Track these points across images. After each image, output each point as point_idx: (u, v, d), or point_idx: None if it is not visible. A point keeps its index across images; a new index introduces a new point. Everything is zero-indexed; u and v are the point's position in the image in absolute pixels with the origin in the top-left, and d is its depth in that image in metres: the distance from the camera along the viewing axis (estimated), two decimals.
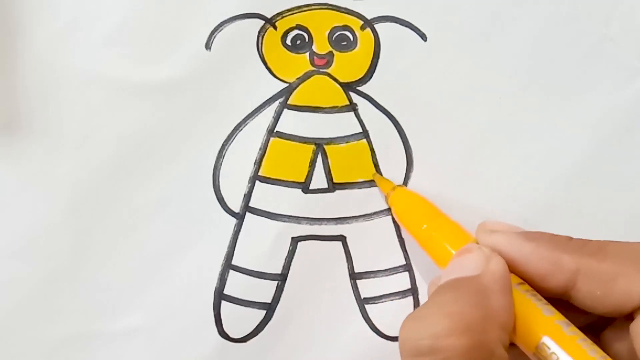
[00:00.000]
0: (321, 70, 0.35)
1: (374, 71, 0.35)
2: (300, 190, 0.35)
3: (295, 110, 0.35)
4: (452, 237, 0.30)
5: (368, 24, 0.35)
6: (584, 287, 0.27)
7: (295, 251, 0.34)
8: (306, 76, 0.35)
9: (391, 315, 0.34)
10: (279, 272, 0.34)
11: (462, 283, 0.27)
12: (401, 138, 0.35)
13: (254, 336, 0.34)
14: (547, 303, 0.27)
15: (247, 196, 0.35)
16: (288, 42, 0.35)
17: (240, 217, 0.35)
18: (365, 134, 0.35)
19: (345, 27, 0.35)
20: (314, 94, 0.35)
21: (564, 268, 0.27)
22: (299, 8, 0.35)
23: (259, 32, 0.35)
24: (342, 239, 0.35)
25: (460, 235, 0.30)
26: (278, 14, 0.35)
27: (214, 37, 0.35)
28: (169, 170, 0.35)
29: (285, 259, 0.34)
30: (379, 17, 0.35)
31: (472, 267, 0.27)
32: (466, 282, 0.27)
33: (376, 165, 0.35)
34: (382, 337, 0.34)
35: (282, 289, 0.34)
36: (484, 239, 0.29)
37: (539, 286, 0.28)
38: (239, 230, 0.34)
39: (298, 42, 0.35)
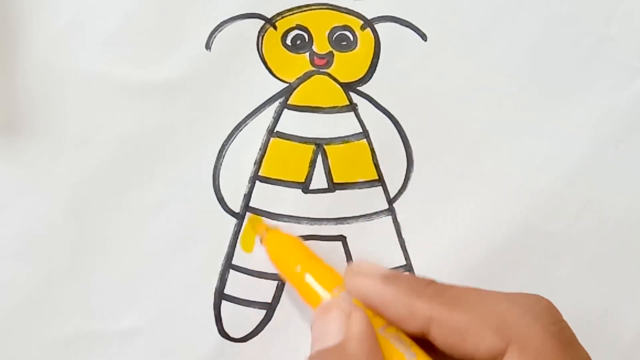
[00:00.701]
0: (321, 70, 0.35)
1: (374, 71, 0.35)
2: (300, 190, 0.35)
3: (295, 110, 0.35)
4: (324, 279, 0.30)
5: (368, 24, 0.35)
6: (437, 335, 0.26)
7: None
8: (306, 76, 0.35)
9: None
10: None
11: (327, 356, 0.27)
12: (401, 138, 0.35)
13: (254, 336, 0.34)
14: (413, 344, 0.27)
15: (247, 196, 0.35)
16: (288, 42, 0.35)
17: (240, 217, 0.35)
18: (365, 134, 0.35)
19: (345, 27, 0.35)
20: (314, 94, 0.35)
21: (418, 315, 0.27)
22: (299, 8, 0.35)
23: (259, 32, 0.35)
24: (342, 239, 0.35)
25: (331, 277, 0.30)
26: (278, 14, 0.35)
27: (214, 37, 0.35)
28: (169, 170, 0.35)
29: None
30: (379, 17, 0.35)
31: (334, 332, 0.27)
32: (331, 354, 0.27)
33: (376, 165, 0.35)
34: None
35: (282, 289, 0.34)
36: (348, 283, 0.29)
37: (401, 329, 0.28)
38: (239, 230, 0.34)
39: (298, 42, 0.35)
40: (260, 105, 0.35)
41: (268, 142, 0.35)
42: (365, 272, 0.29)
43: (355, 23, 0.36)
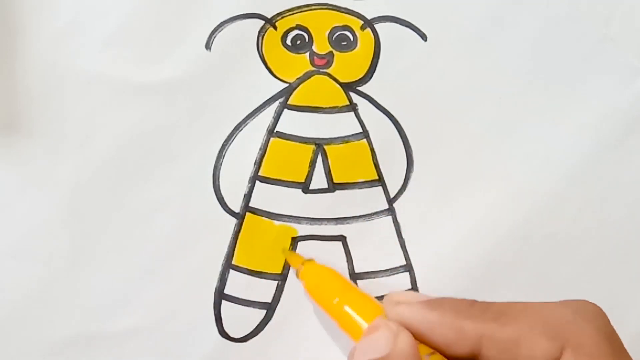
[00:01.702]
0: (321, 70, 0.35)
1: (374, 71, 0.35)
2: (300, 190, 0.35)
3: (295, 110, 0.35)
4: (363, 309, 0.30)
5: (368, 24, 0.35)
6: (489, 353, 0.26)
7: (295, 251, 0.34)
8: (306, 76, 0.35)
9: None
10: (279, 272, 0.34)
11: None
12: (401, 138, 0.35)
13: (254, 336, 0.34)
14: None
15: (247, 196, 0.35)
16: (288, 42, 0.35)
17: (240, 217, 0.35)
18: (365, 134, 0.35)
19: (345, 27, 0.35)
20: (314, 94, 0.35)
21: (467, 335, 0.27)
22: (299, 8, 0.35)
23: (259, 32, 0.35)
24: (342, 239, 0.35)
25: (372, 308, 0.30)
26: (278, 14, 0.35)
27: (214, 37, 0.35)
28: (169, 170, 0.35)
29: (285, 259, 0.34)
30: (379, 17, 0.35)
31: (380, 347, 0.27)
32: None
33: (376, 165, 0.35)
34: None
35: (282, 289, 0.34)
36: (390, 312, 0.29)
37: (448, 354, 0.27)
38: (239, 230, 0.34)
39: (298, 42, 0.35)
40: (260, 105, 0.35)
41: (268, 142, 0.35)
42: (405, 300, 0.29)
43: (355, 23, 0.35)
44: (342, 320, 0.30)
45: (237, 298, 0.34)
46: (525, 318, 0.26)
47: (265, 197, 0.35)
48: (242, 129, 0.35)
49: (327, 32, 0.35)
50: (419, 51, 0.35)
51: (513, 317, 0.26)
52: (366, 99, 0.35)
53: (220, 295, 0.34)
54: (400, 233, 0.35)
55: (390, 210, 0.35)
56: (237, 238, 0.34)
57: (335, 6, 0.35)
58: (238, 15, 0.35)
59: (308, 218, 0.35)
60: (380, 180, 0.35)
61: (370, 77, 0.35)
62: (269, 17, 0.35)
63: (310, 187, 0.35)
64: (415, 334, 0.28)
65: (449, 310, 0.28)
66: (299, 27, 0.35)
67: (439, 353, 0.27)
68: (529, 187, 0.35)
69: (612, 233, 0.35)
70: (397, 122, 0.35)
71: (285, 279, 0.34)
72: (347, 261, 0.35)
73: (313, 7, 0.35)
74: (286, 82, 0.35)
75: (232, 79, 0.35)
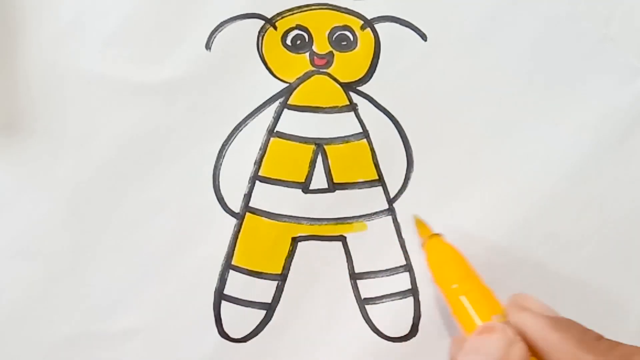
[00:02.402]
0: (321, 70, 0.35)
1: (374, 71, 0.35)
2: (300, 190, 0.35)
3: (295, 110, 0.35)
4: (481, 304, 0.30)
5: (368, 24, 0.36)
6: None
7: (295, 251, 0.34)
8: (306, 76, 0.35)
9: (391, 316, 0.34)
10: (279, 272, 0.34)
11: None
12: (401, 138, 0.35)
13: (254, 336, 0.34)
14: None
15: (247, 196, 0.35)
16: (288, 42, 0.35)
17: (240, 217, 0.35)
18: (365, 134, 0.35)
19: (345, 27, 0.35)
20: (314, 94, 0.35)
21: None
22: (299, 8, 0.35)
23: (259, 32, 0.35)
24: (342, 239, 0.35)
25: (490, 304, 0.30)
26: (278, 14, 0.35)
27: (214, 37, 0.35)
28: (169, 170, 0.35)
29: (285, 259, 0.34)
30: (379, 17, 0.35)
31: (492, 351, 0.27)
32: None
33: (376, 165, 0.35)
34: (382, 337, 0.34)
35: (282, 289, 0.34)
36: (512, 315, 0.28)
37: None
38: (239, 230, 0.34)
39: (298, 42, 0.35)
40: (260, 105, 0.35)
41: (268, 142, 0.35)
42: (531, 308, 0.29)
43: (355, 23, 0.36)
44: (456, 307, 0.30)
45: (237, 298, 0.34)
46: None
47: (265, 197, 0.35)
48: (242, 129, 0.35)
49: (327, 32, 0.35)
50: (419, 51, 0.35)
51: None
52: (366, 99, 0.35)
53: (220, 296, 0.34)
54: (400, 233, 0.35)
55: (390, 210, 0.35)
56: (236, 238, 0.34)
57: (335, 6, 0.36)
58: (238, 15, 0.35)
59: (308, 218, 0.35)
60: (380, 180, 0.35)
61: (370, 77, 0.35)
62: (269, 17, 0.35)
63: (310, 187, 0.35)
64: (530, 346, 0.27)
65: (573, 336, 0.27)
66: (299, 27, 0.35)
67: None
68: (529, 187, 0.35)
69: (612, 233, 0.35)
70: (397, 122, 0.35)
71: (285, 279, 0.34)
72: (347, 261, 0.35)
73: (313, 7, 0.35)
74: (286, 82, 0.35)
75: (232, 79, 0.35)
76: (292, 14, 0.35)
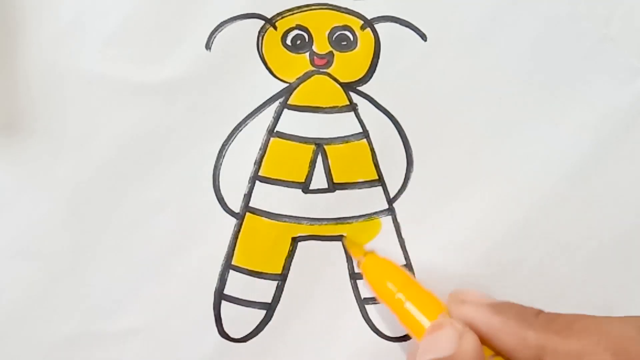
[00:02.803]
0: (321, 70, 0.35)
1: (374, 71, 0.35)
2: (300, 190, 0.35)
3: (295, 110, 0.35)
4: (425, 306, 0.30)
5: (368, 23, 0.35)
6: None
7: (295, 251, 0.34)
8: (306, 76, 0.35)
9: (391, 316, 0.34)
10: (279, 272, 0.34)
11: None
12: (401, 138, 0.35)
13: (254, 336, 0.34)
14: None
15: (247, 196, 0.35)
16: (288, 42, 0.35)
17: (240, 217, 0.35)
18: (365, 134, 0.35)
19: (345, 27, 0.35)
20: (314, 94, 0.35)
21: (530, 345, 0.27)
22: (299, 8, 0.35)
23: (259, 32, 0.35)
24: (342, 239, 0.35)
25: (434, 305, 0.30)
26: (278, 14, 0.35)
27: (214, 37, 0.35)
28: (169, 170, 0.35)
29: (285, 259, 0.34)
30: (379, 17, 0.35)
31: (445, 346, 0.27)
32: None
33: (376, 165, 0.35)
34: (382, 337, 0.34)
35: (282, 289, 0.34)
36: (454, 310, 0.29)
37: (510, 358, 0.27)
38: (239, 230, 0.34)
39: (298, 42, 0.35)
40: (260, 105, 0.35)
41: (268, 142, 0.35)
42: (470, 300, 0.29)
43: (355, 23, 0.36)
44: (403, 315, 0.30)
45: (237, 298, 0.34)
46: (589, 333, 0.26)
47: (265, 197, 0.35)
48: (242, 129, 0.35)
49: (327, 32, 0.35)
50: (419, 51, 0.35)
51: (577, 331, 0.26)
52: (366, 99, 0.35)
53: (220, 296, 0.34)
54: (400, 233, 0.35)
55: (390, 210, 0.35)
56: (237, 238, 0.34)
57: (335, 6, 0.36)
58: (238, 15, 0.35)
59: (308, 218, 0.35)
60: (380, 180, 0.35)
61: (370, 77, 0.35)
62: (269, 17, 0.35)
63: (310, 187, 0.35)
64: (479, 336, 0.28)
65: (514, 317, 0.28)
66: (299, 27, 0.35)
67: (501, 357, 0.28)
68: (529, 187, 0.35)
69: (612, 233, 0.35)
70: (397, 122, 0.35)
71: (285, 279, 0.34)
72: (347, 261, 0.35)
73: (313, 7, 0.35)
74: (286, 82, 0.35)
75: (232, 79, 0.35)
76: (292, 14, 0.35)
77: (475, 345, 0.27)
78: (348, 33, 0.35)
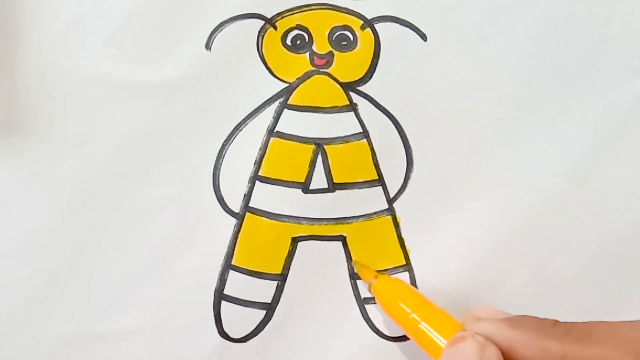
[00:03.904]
0: (321, 70, 0.35)
1: (374, 71, 0.35)
2: (300, 190, 0.35)
3: (295, 110, 0.35)
4: (440, 325, 0.30)
5: (368, 23, 0.36)
6: None
7: (295, 251, 0.34)
8: (306, 76, 0.35)
9: None
10: (279, 272, 0.34)
11: None
12: (401, 138, 0.35)
13: (254, 336, 0.34)
14: None
15: (247, 196, 0.35)
16: (288, 42, 0.35)
17: (240, 217, 0.35)
18: (365, 134, 0.35)
19: (345, 27, 0.35)
20: (314, 94, 0.35)
21: (551, 355, 0.27)
22: (299, 8, 0.35)
23: (259, 32, 0.35)
24: (342, 239, 0.35)
25: (449, 324, 0.30)
26: (278, 14, 0.35)
27: (214, 37, 0.35)
28: (169, 170, 0.35)
29: (285, 259, 0.34)
30: (379, 17, 0.35)
31: (469, 356, 0.27)
32: None
33: (376, 165, 0.35)
34: (382, 337, 0.34)
35: (282, 289, 0.34)
36: (471, 328, 0.29)
37: None
38: (239, 230, 0.34)
39: (298, 42, 0.35)
40: (260, 105, 0.35)
41: (268, 142, 0.35)
42: (486, 316, 0.29)
43: (355, 23, 0.36)
44: (418, 336, 0.30)
45: (237, 298, 0.34)
46: (608, 339, 0.26)
47: (265, 197, 0.35)
48: (242, 129, 0.35)
49: (327, 32, 0.35)
50: (419, 51, 0.35)
51: (596, 338, 0.27)
52: (366, 99, 0.35)
53: (220, 296, 0.34)
54: (400, 233, 0.35)
55: (390, 210, 0.35)
56: (236, 238, 0.34)
57: (335, 6, 0.36)
58: (238, 15, 0.35)
59: (308, 218, 0.35)
60: (380, 180, 0.35)
61: (370, 77, 0.35)
62: (269, 17, 0.35)
63: (310, 187, 0.35)
64: None
65: (532, 329, 0.28)
66: (299, 27, 0.35)
67: None
68: (529, 187, 0.35)
69: (611, 233, 0.35)
70: (397, 122, 0.35)
71: (285, 279, 0.34)
72: (347, 261, 0.35)
73: (313, 7, 0.35)
74: (286, 82, 0.35)
75: (232, 79, 0.35)
76: (292, 14, 0.35)
77: (498, 356, 0.27)
78: (348, 33, 0.35)
